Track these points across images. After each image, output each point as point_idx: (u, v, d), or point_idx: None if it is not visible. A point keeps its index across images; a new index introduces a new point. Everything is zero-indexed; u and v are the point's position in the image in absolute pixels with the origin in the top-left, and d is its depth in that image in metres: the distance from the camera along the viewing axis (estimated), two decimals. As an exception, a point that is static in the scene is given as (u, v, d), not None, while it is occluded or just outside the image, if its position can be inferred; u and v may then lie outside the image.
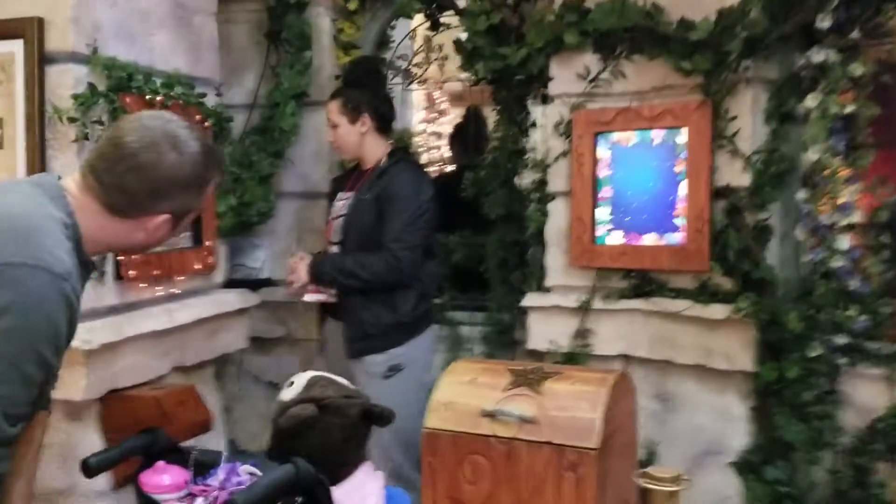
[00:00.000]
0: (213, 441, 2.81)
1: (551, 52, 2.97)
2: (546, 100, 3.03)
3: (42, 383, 1.38)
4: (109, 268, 2.47)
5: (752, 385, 2.69)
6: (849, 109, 2.48)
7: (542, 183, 3.05)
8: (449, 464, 2.13)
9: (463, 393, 2.18)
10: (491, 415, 2.08)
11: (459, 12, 3.34)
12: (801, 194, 2.60)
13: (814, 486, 2.55)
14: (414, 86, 4.26)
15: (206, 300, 2.90)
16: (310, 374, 1.74)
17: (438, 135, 6.58)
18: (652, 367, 2.91)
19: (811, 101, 2.53)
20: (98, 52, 2.40)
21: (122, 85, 2.44)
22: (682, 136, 2.75)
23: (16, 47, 2.30)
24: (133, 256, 2.50)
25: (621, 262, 2.89)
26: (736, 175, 2.67)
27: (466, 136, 4.29)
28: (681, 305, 2.76)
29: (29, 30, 2.29)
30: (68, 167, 2.29)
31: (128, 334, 2.45)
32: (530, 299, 3.04)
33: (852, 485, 2.48)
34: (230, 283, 3.18)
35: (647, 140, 2.85)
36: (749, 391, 2.70)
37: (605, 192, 2.92)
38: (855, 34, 2.48)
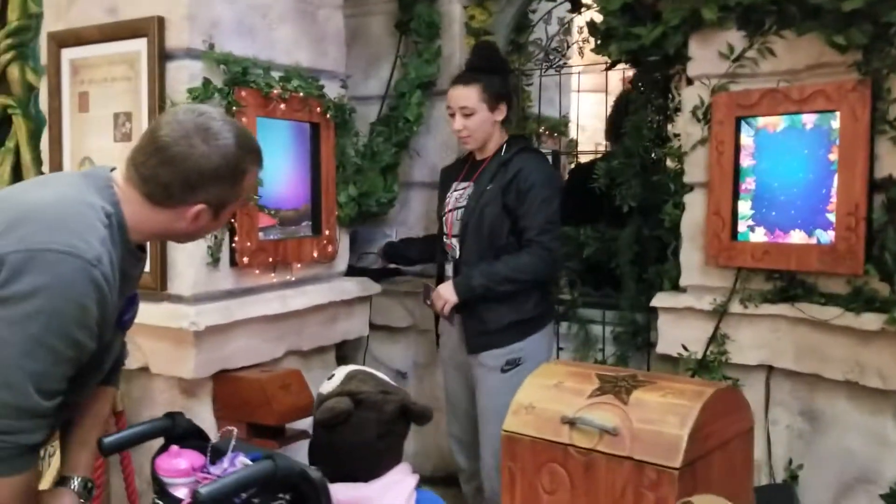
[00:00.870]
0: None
1: (689, 30, 2.72)
2: (687, 82, 2.78)
3: (76, 361, 1.45)
4: (225, 254, 2.59)
5: (910, 408, 2.33)
6: None
7: (678, 173, 2.81)
8: (528, 470, 2.01)
9: (546, 397, 2.05)
10: (571, 422, 1.94)
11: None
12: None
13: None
14: (575, 70, 4.03)
15: (324, 287, 2.96)
16: (350, 367, 1.71)
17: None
18: (799, 381, 2.61)
19: None
20: (215, 48, 2.51)
21: (236, 79, 2.53)
22: (838, 121, 2.44)
23: (141, 46, 2.47)
24: (247, 244, 2.60)
25: (764, 261, 2.61)
26: (898, 164, 2.31)
27: (617, 125, 4.03)
28: (830, 313, 2.44)
29: (151, 28, 2.45)
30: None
31: (237, 318, 2.55)
32: (660, 299, 2.81)
33: None
34: (357, 272, 3.22)
35: (797, 125, 2.55)
36: (907, 414, 2.35)
37: (748, 183, 2.65)
38: None
